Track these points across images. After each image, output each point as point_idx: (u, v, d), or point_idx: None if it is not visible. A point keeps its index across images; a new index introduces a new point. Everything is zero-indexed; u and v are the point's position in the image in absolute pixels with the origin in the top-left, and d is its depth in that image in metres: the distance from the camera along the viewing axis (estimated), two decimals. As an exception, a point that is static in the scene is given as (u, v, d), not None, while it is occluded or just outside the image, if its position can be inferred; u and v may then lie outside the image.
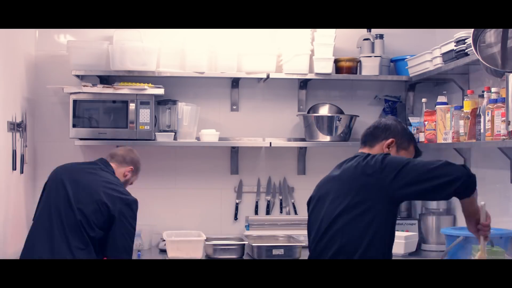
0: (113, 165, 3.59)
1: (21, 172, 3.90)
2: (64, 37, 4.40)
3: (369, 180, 2.59)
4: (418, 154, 2.88)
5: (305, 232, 2.93)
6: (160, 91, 4.11)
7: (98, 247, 3.36)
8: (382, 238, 2.61)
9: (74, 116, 4.01)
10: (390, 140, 2.79)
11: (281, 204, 4.51)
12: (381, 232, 2.60)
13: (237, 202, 4.49)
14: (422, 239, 4.20)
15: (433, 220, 4.16)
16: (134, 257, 3.90)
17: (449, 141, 3.66)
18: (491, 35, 3.15)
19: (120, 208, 3.37)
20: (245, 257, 3.94)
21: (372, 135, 2.84)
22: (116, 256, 3.35)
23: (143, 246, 4.16)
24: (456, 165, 2.53)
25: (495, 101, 3.18)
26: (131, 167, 3.64)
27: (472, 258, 2.91)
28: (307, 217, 2.92)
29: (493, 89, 3.26)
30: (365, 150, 2.83)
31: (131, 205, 3.43)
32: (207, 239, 3.94)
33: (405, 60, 4.32)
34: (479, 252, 2.75)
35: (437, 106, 3.89)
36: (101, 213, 3.34)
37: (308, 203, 2.91)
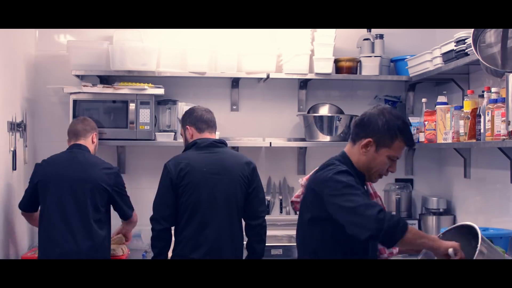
0: (82, 142, 3.65)
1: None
2: (64, 37, 4.40)
3: (316, 196, 2.59)
4: (410, 146, 2.64)
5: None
6: (160, 91, 4.11)
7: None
8: (332, 248, 2.61)
9: (74, 116, 4.00)
10: (366, 141, 2.59)
11: (281, 204, 4.50)
12: (329, 243, 2.61)
13: (237, 202, 4.47)
14: (422, 239, 4.19)
15: (433, 220, 4.16)
16: (139, 257, 3.90)
17: (449, 141, 3.66)
18: (491, 35, 3.15)
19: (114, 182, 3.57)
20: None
21: (355, 130, 2.68)
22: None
23: (144, 246, 4.15)
24: (373, 216, 2.35)
25: (495, 101, 3.17)
26: (95, 132, 3.73)
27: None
28: None
29: (493, 89, 3.26)
30: (348, 147, 2.73)
31: (120, 175, 3.65)
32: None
33: (405, 60, 4.32)
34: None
35: (437, 106, 3.89)
36: (100, 194, 3.50)
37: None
